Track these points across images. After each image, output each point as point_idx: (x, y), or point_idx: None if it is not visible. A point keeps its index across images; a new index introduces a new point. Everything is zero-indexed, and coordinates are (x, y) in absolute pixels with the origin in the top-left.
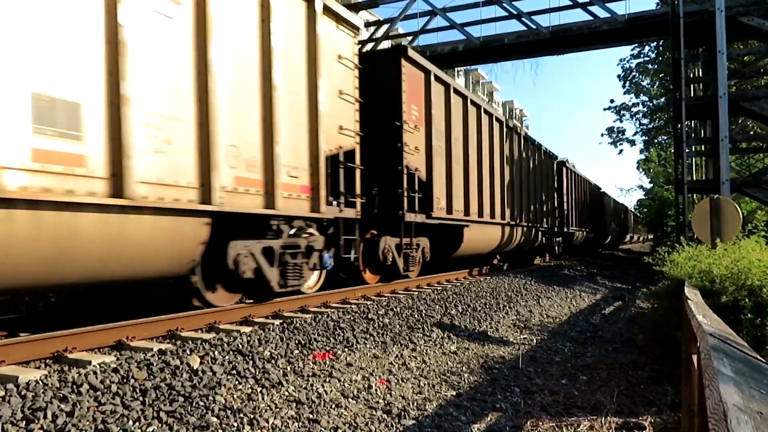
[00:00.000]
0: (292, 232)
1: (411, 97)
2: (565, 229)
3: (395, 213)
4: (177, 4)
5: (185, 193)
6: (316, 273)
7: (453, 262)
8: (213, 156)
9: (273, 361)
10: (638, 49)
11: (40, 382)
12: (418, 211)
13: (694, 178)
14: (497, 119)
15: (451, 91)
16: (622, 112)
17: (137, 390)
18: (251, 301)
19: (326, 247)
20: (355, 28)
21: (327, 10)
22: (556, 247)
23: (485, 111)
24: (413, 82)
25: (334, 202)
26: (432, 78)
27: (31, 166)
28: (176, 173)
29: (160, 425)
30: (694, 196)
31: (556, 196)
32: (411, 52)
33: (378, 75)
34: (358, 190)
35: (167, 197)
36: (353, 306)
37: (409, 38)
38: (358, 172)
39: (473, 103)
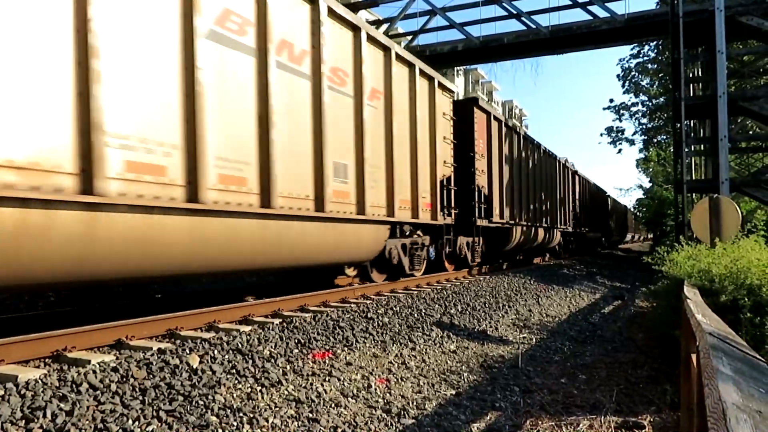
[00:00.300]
0: (407, 233)
1: (479, 134)
2: (578, 230)
3: (469, 219)
4: (378, 100)
5: (382, 210)
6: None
7: (499, 255)
8: (395, 188)
9: (272, 360)
10: (638, 49)
11: (40, 381)
12: (483, 218)
13: (694, 178)
14: (535, 144)
15: (503, 125)
16: (621, 111)
17: (137, 389)
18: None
19: (431, 243)
20: (452, 92)
21: (440, 84)
22: (570, 245)
23: (525, 137)
24: (480, 123)
25: (441, 213)
26: (492, 118)
27: (333, 199)
28: (379, 199)
29: (159, 424)
30: (694, 196)
31: (571, 201)
32: (480, 102)
33: (457, 118)
34: (453, 204)
35: (376, 213)
36: (353, 305)
37: (409, 38)
38: (453, 192)
39: (516, 132)
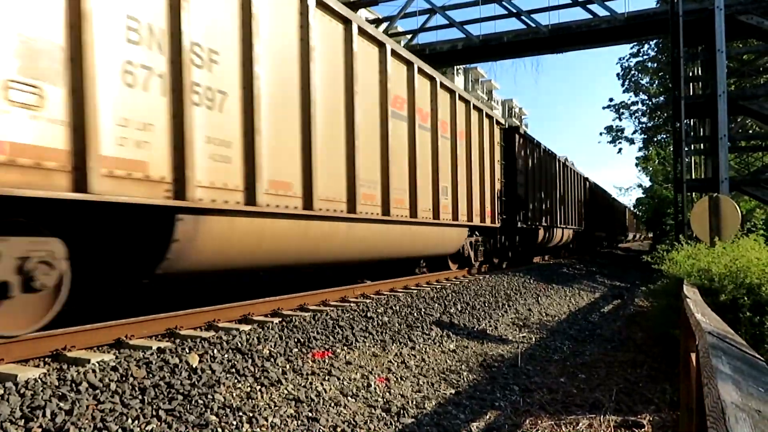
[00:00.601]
0: (468, 233)
1: (518, 154)
2: (587, 230)
3: (512, 222)
4: (463, 139)
5: (464, 217)
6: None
7: (529, 252)
8: (472, 200)
9: (272, 360)
10: (637, 48)
11: (39, 381)
12: (522, 221)
13: (693, 177)
14: (555, 157)
15: (533, 144)
16: (621, 110)
17: (136, 388)
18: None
19: (485, 241)
20: (503, 125)
21: (496, 121)
22: (581, 243)
23: (550, 154)
24: (519, 145)
25: (498, 218)
26: (527, 140)
27: (442, 210)
28: (463, 209)
29: (159, 423)
30: (693, 195)
31: (581, 204)
32: (520, 130)
33: (503, 142)
34: (503, 211)
35: (461, 220)
36: (352, 304)
37: (408, 36)
38: (502, 202)
39: (545, 151)
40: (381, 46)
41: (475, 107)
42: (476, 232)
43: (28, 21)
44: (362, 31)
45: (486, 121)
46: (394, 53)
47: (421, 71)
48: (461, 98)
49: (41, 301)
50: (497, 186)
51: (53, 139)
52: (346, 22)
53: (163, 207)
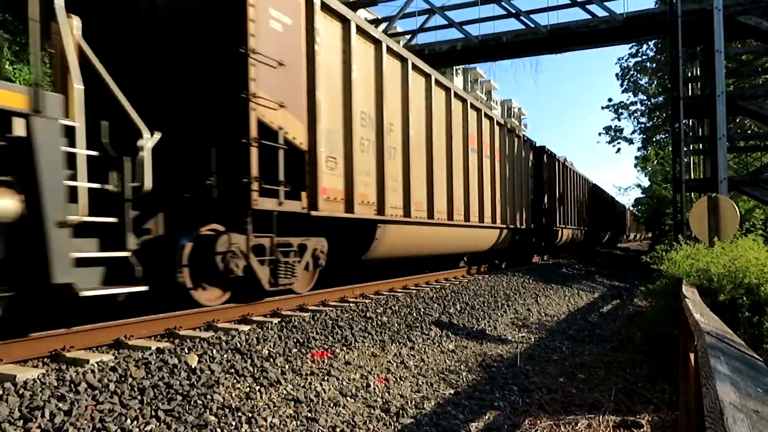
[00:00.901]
0: (512, 234)
1: (544, 167)
2: (593, 230)
3: (539, 224)
4: (509, 161)
5: (507, 222)
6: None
7: (548, 249)
8: (515, 210)
9: (271, 360)
10: (636, 48)
11: (38, 381)
12: (546, 224)
13: (692, 177)
14: (569, 168)
15: (554, 158)
16: (620, 110)
17: (135, 389)
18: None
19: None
20: (534, 145)
21: (531, 143)
22: (588, 242)
23: (562, 163)
24: (547, 161)
25: (532, 222)
26: (550, 156)
27: (497, 216)
28: (511, 215)
29: (158, 424)
30: (692, 195)
31: (588, 206)
32: (546, 148)
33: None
34: (533, 216)
35: (509, 224)
36: (351, 304)
37: (407, 37)
38: (532, 208)
39: (564, 165)
40: (464, 101)
41: (516, 134)
42: (515, 234)
43: (332, 122)
44: (455, 94)
45: (524, 145)
46: (471, 105)
47: (486, 114)
48: (509, 130)
49: (312, 275)
50: (530, 195)
51: (338, 184)
52: (447, 90)
53: (373, 220)
